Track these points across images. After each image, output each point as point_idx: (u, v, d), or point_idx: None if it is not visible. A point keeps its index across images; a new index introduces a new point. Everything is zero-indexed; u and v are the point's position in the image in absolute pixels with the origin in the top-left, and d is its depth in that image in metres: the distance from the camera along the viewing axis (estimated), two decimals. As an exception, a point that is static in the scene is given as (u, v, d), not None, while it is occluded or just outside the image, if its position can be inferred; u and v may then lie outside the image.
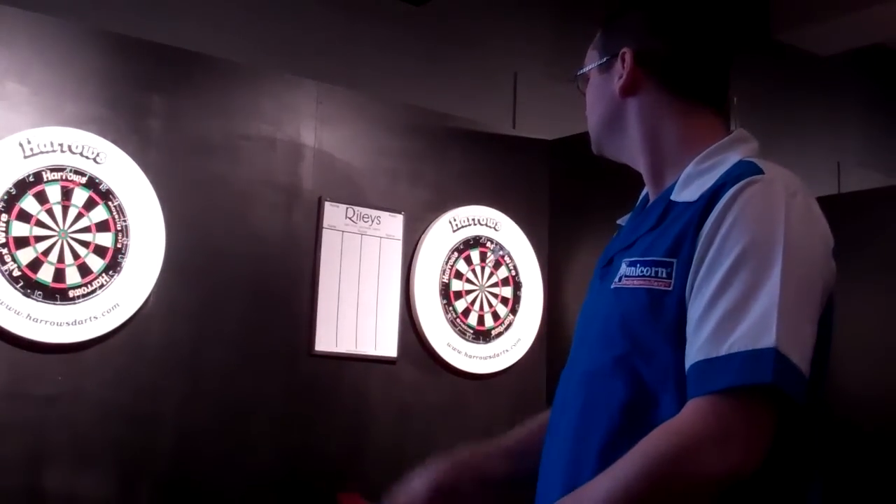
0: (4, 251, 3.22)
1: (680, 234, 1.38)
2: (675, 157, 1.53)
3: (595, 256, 4.81)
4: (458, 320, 4.28)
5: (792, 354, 1.23)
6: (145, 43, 3.63)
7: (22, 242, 3.26)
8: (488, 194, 4.46)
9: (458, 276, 4.32)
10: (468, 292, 4.34)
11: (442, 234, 4.27)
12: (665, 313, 1.35)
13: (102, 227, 3.41)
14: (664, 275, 1.37)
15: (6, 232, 3.23)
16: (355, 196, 4.03)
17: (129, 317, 3.43)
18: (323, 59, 4.26)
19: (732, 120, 3.85)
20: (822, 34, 6.12)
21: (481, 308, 4.37)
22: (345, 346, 3.92)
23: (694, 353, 1.27)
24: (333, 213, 3.97)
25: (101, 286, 3.38)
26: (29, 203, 3.29)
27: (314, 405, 3.82)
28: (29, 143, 3.30)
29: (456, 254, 4.31)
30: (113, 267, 3.41)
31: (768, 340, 1.22)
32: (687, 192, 1.45)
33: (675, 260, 1.36)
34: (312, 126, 3.96)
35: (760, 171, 1.37)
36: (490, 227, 4.42)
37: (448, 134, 4.38)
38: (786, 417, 1.26)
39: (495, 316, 4.40)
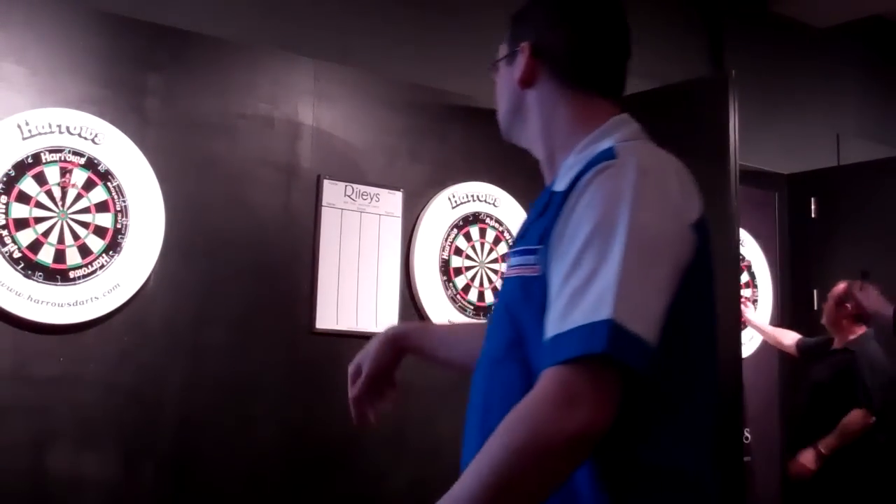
0: (4, 233, 3.22)
1: (549, 222, 1.46)
2: (565, 146, 1.60)
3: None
4: (458, 297, 4.29)
5: (633, 325, 1.29)
6: (142, 23, 3.62)
7: (22, 224, 3.26)
8: (487, 170, 4.45)
9: (458, 252, 4.33)
10: (468, 268, 4.35)
11: (441, 211, 4.27)
12: (535, 298, 1.43)
13: (102, 207, 3.41)
14: (532, 261, 1.46)
15: (6, 214, 3.23)
16: (354, 174, 4.03)
17: (130, 297, 3.43)
18: (320, 36, 4.25)
19: (731, 93, 3.85)
20: (820, 6, 6.10)
21: (481, 284, 4.37)
22: (345, 324, 3.93)
23: (546, 331, 1.35)
24: (332, 191, 3.96)
25: (102, 266, 3.38)
26: (28, 184, 3.29)
27: (315, 383, 3.83)
28: (27, 124, 3.29)
29: (455, 230, 4.31)
30: (113, 247, 3.41)
31: (604, 313, 1.29)
32: (561, 181, 1.53)
33: (542, 247, 1.45)
34: (310, 104, 3.95)
35: (613, 157, 1.44)
36: (489, 203, 4.42)
37: (446, 110, 4.38)
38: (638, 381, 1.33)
39: (496, 292, 4.41)
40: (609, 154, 1.45)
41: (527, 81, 1.63)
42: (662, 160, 1.49)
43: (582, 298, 1.32)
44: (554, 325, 1.33)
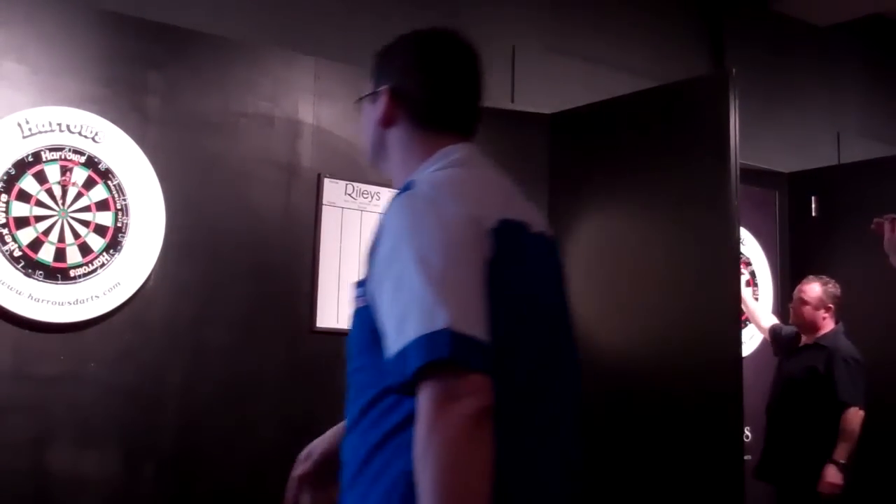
0: (5, 231, 3.22)
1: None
2: None
3: (594, 229, 4.81)
4: (458, 295, 4.28)
5: (466, 327, 1.44)
6: (143, 21, 3.62)
7: (22, 223, 3.26)
8: (487, 169, 4.45)
9: (459, 251, 4.32)
10: (468, 267, 4.34)
11: (442, 210, 4.27)
12: (365, 326, 1.60)
13: (102, 206, 3.41)
14: (361, 293, 1.63)
15: (6, 212, 3.23)
16: (354, 172, 4.03)
17: (131, 295, 3.43)
18: (320, 34, 4.25)
19: (731, 92, 3.85)
20: (820, 4, 6.10)
21: (482, 283, 4.37)
22: (346, 323, 3.91)
23: (388, 349, 1.48)
24: (333, 190, 3.96)
25: (102, 265, 3.38)
26: (28, 183, 3.29)
27: (316, 382, 3.83)
28: (27, 122, 3.29)
29: (456, 229, 4.30)
30: (113, 246, 3.41)
31: (440, 323, 1.43)
32: None
33: (365, 278, 1.61)
34: (310, 102, 3.95)
35: (408, 188, 1.60)
36: (490, 201, 4.41)
37: (447, 109, 4.37)
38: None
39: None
40: (405, 187, 1.61)
41: (386, 122, 1.78)
42: (454, 179, 1.64)
43: (409, 315, 1.46)
44: (392, 344, 1.47)
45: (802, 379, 4.66)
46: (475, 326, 1.46)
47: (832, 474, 4.46)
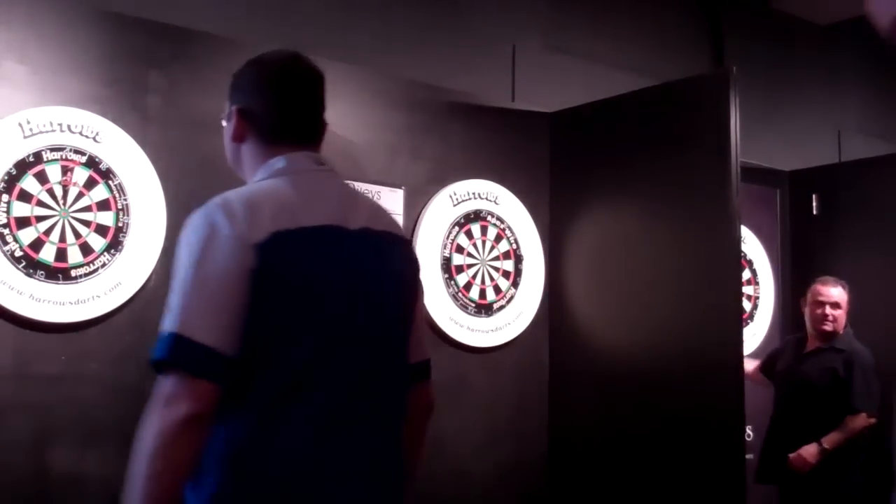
0: (6, 231, 3.22)
1: None
2: None
3: (595, 228, 4.80)
4: (459, 294, 4.29)
5: (197, 335, 1.67)
6: (143, 21, 3.62)
7: (23, 223, 3.26)
8: (488, 168, 4.45)
9: (460, 250, 4.32)
10: (469, 266, 4.35)
11: (442, 209, 4.27)
12: None
13: (103, 206, 3.41)
14: None
15: (7, 212, 3.23)
16: (355, 171, 4.02)
17: (132, 295, 3.43)
18: (320, 34, 4.24)
19: (732, 90, 3.85)
20: (821, 2, 6.10)
21: (483, 282, 4.37)
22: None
23: None
24: (334, 189, 3.96)
25: (103, 265, 3.38)
26: (29, 183, 3.29)
27: (318, 381, 3.83)
28: (28, 122, 3.29)
29: (457, 228, 4.31)
30: (114, 246, 3.41)
31: (169, 328, 1.69)
32: None
33: None
34: (311, 102, 3.94)
35: (199, 209, 1.84)
36: (490, 200, 4.42)
37: (447, 108, 4.37)
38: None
39: (497, 289, 4.41)
40: (200, 206, 1.84)
41: (238, 138, 2.02)
42: (247, 196, 1.85)
43: (164, 318, 1.72)
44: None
45: (821, 382, 4.60)
46: (207, 336, 1.67)
47: (811, 452, 4.49)
